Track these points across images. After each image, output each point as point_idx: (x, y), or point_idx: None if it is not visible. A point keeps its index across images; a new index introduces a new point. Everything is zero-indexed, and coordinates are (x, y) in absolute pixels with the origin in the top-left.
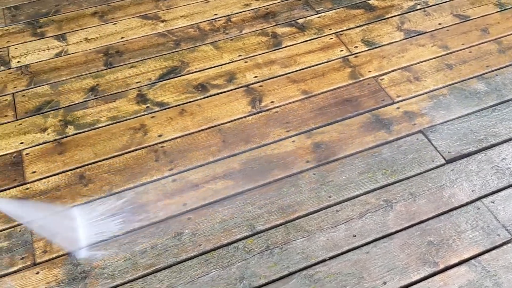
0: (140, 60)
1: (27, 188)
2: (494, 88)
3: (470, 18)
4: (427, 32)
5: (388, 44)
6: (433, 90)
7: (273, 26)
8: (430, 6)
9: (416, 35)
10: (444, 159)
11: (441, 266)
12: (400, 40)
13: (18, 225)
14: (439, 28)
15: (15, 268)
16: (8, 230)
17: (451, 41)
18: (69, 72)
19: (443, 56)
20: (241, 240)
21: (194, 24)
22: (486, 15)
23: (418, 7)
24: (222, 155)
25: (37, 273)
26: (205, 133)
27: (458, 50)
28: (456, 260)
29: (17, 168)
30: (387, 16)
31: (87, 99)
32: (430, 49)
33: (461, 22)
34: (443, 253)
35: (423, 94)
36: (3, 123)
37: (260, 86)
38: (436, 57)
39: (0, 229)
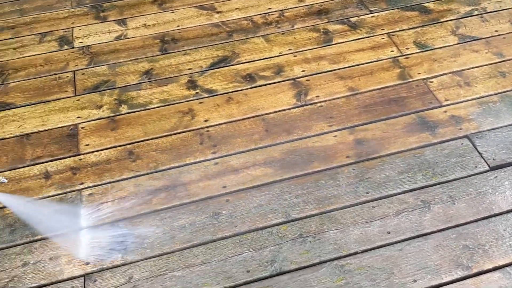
0: (193, 48)
1: (80, 159)
2: None
3: None
4: (482, 39)
5: (440, 47)
6: (483, 97)
7: (325, 23)
8: (488, 12)
9: (471, 41)
10: (488, 165)
11: (474, 271)
12: (454, 44)
13: (71, 191)
14: (495, 35)
15: (64, 231)
16: (60, 196)
17: (506, 49)
18: (126, 55)
19: (496, 63)
20: (275, 225)
21: (247, 16)
22: None
23: (475, 13)
24: (264, 143)
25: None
26: (249, 121)
27: None
28: (490, 266)
29: (73, 140)
30: (442, 20)
31: (141, 82)
32: (484, 55)
33: None
34: (477, 257)
35: (473, 99)
36: (63, 98)
37: (307, 80)
38: (489, 64)
39: (54, 194)
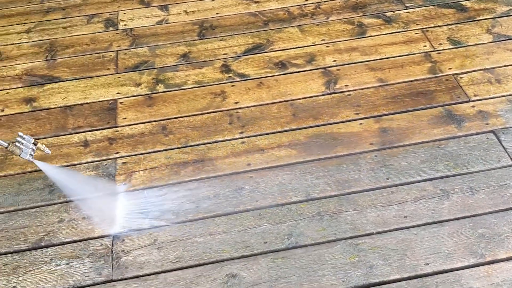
0: (229, 35)
1: (117, 131)
2: None
3: None
4: None
5: (474, 45)
6: None
7: (360, 16)
8: None
9: (506, 40)
10: None
11: (488, 259)
12: (488, 42)
13: (106, 159)
14: None
15: (97, 194)
16: (97, 163)
17: None
18: (166, 39)
19: None
20: (295, 203)
21: (284, 7)
22: None
23: None
24: (290, 127)
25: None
26: (278, 106)
27: None
28: (504, 256)
29: (111, 113)
30: (478, 18)
31: (178, 64)
32: None
33: None
34: (492, 247)
35: (502, 96)
36: (105, 75)
37: (338, 69)
38: None
39: (91, 161)
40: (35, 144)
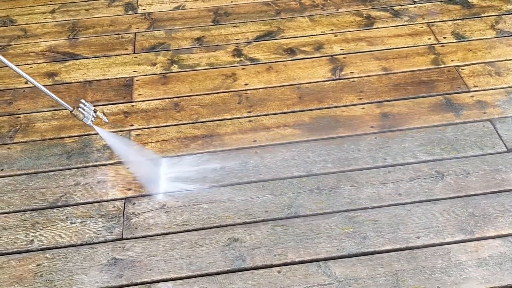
0: (242, 22)
1: (132, 105)
2: None
3: None
4: None
5: (477, 39)
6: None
7: (369, 9)
8: None
9: (508, 36)
10: (506, 147)
11: (477, 236)
12: (491, 37)
13: (121, 130)
14: None
15: (112, 161)
16: (113, 133)
17: None
18: (182, 23)
19: None
20: (296, 177)
21: None
22: None
23: None
24: (296, 108)
25: (128, 168)
26: (285, 89)
27: None
28: (492, 234)
29: (128, 90)
30: (483, 15)
31: (193, 47)
32: None
33: None
34: (481, 225)
35: (501, 88)
36: (123, 54)
37: (344, 57)
38: None
39: (107, 131)
40: (95, 112)
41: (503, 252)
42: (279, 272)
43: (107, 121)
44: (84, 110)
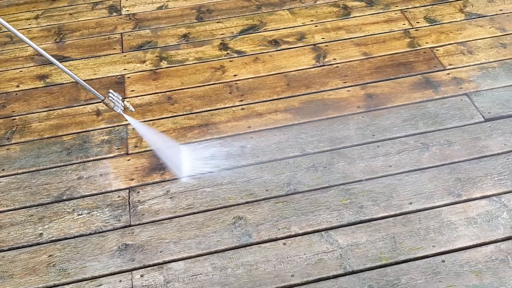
0: (226, 18)
1: (126, 101)
2: None
3: None
4: (487, 16)
5: (448, 22)
6: (483, 63)
7: (345, 0)
8: None
9: (476, 18)
10: (484, 117)
11: (464, 198)
12: (461, 20)
13: (118, 125)
14: (500, 14)
15: (112, 155)
16: (109, 128)
17: (509, 25)
18: (167, 22)
19: (499, 36)
20: (292, 158)
21: None
22: None
23: None
24: (285, 94)
25: (128, 160)
26: (273, 77)
27: None
28: (478, 195)
29: (120, 87)
30: (451, 0)
31: (180, 43)
32: (488, 30)
33: None
34: (468, 188)
35: (474, 65)
36: (112, 54)
37: (326, 45)
38: (492, 36)
39: (104, 127)
40: (122, 101)
41: (489, 210)
42: (284, 244)
43: (133, 109)
44: (113, 99)
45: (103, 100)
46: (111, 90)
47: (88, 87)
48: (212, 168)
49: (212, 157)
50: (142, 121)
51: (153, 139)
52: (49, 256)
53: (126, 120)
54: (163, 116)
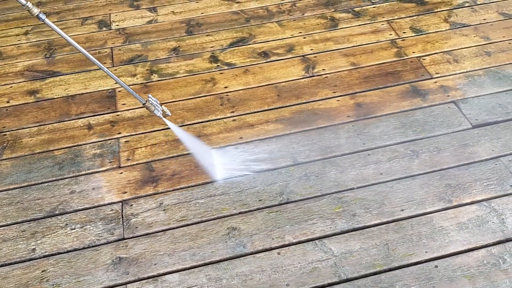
0: (215, 31)
1: (117, 115)
2: None
3: None
4: (472, 25)
5: (434, 32)
6: (469, 71)
7: (332, 11)
8: (478, 4)
9: (461, 27)
10: (471, 124)
11: (454, 203)
12: (446, 30)
13: (110, 139)
14: (484, 23)
15: (104, 168)
16: (101, 142)
17: (492, 34)
18: (157, 35)
19: (483, 45)
20: (284, 167)
21: (263, 6)
22: None
23: (467, 4)
24: (276, 105)
25: (121, 173)
26: (263, 88)
27: (499, 41)
28: (468, 200)
29: (111, 100)
30: (436, 10)
31: (170, 56)
32: (472, 38)
33: (505, 19)
34: (458, 194)
35: (460, 73)
36: None
37: (315, 56)
38: (476, 45)
39: (95, 141)
40: (160, 105)
41: (479, 215)
42: (279, 253)
43: (170, 114)
44: (152, 103)
45: (144, 104)
46: (150, 95)
47: (131, 91)
48: (246, 171)
49: (246, 160)
50: (135, 134)
51: (190, 143)
52: (43, 271)
53: (166, 124)
54: (155, 129)
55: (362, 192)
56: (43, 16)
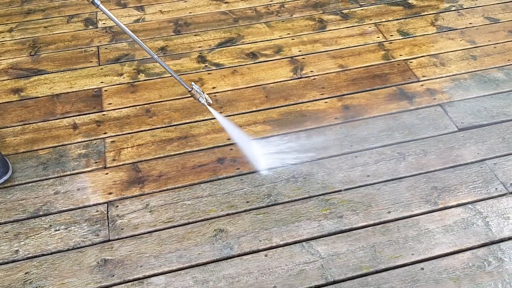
0: (203, 31)
1: (103, 114)
2: None
3: (500, 21)
4: (458, 29)
5: (420, 35)
6: (455, 74)
7: (320, 13)
8: (464, 8)
9: (447, 31)
10: (457, 127)
11: (440, 206)
12: (432, 33)
13: (95, 139)
14: (469, 27)
15: (89, 169)
16: (87, 142)
17: (478, 38)
18: (144, 35)
19: (469, 49)
20: (272, 169)
21: (252, 7)
22: None
23: (453, 8)
24: (264, 106)
25: (107, 173)
26: (252, 89)
27: (484, 45)
28: (454, 203)
29: (97, 100)
30: (423, 14)
31: (157, 56)
32: (458, 42)
33: (490, 24)
34: (444, 196)
35: (446, 76)
36: (88, 67)
37: (303, 58)
38: (462, 49)
39: (81, 141)
40: (203, 93)
41: (465, 218)
42: (266, 255)
43: (211, 102)
44: (197, 91)
45: (190, 91)
46: (193, 82)
47: (178, 78)
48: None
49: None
50: (121, 134)
51: (234, 133)
52: (26, 273)
53: (210, 112)
54: (141, 129)
55: (349, 194)
56: (98, 1)
